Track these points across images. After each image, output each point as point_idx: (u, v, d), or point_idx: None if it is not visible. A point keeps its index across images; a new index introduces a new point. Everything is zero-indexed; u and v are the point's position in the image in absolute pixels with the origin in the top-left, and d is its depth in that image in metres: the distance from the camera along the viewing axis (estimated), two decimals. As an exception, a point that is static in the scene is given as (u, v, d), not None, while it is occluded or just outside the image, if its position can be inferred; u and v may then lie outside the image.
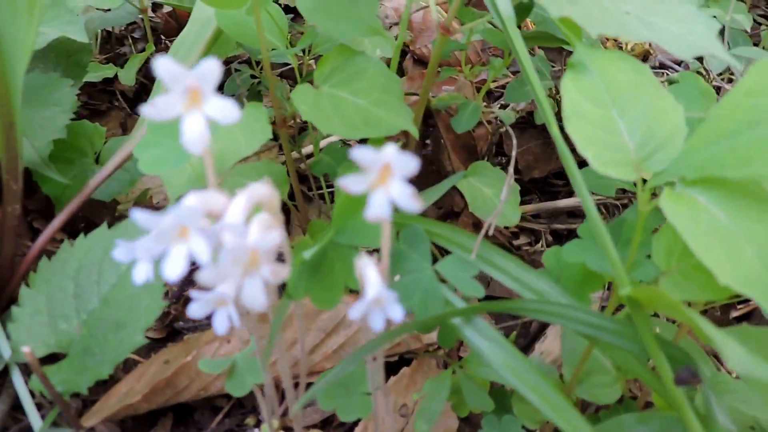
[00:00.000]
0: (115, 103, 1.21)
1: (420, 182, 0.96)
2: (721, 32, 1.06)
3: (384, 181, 0.42)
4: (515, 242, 1.00)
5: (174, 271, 0.42)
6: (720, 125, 0.50)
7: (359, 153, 0.39)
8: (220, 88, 1.16)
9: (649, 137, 0.54)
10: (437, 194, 0.82)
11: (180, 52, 0.88)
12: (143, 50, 1.19)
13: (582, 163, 0.54)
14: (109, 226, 0.83)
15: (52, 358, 0.69)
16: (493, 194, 0.83)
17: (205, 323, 0.92)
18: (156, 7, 1.25)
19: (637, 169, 0.54)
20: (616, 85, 0.55)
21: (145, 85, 1.16)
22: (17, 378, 0.72)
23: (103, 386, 0.80)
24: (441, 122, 0.93)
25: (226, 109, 0.44)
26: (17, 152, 0.71)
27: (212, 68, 0.42)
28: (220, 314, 0.49)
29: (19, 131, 0.70)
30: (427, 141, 0.98)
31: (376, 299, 0.47)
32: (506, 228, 0.97)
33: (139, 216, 0.40)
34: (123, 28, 1.27)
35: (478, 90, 0.98)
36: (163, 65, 0.41)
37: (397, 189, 0.41)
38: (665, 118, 0.54)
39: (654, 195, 0.54)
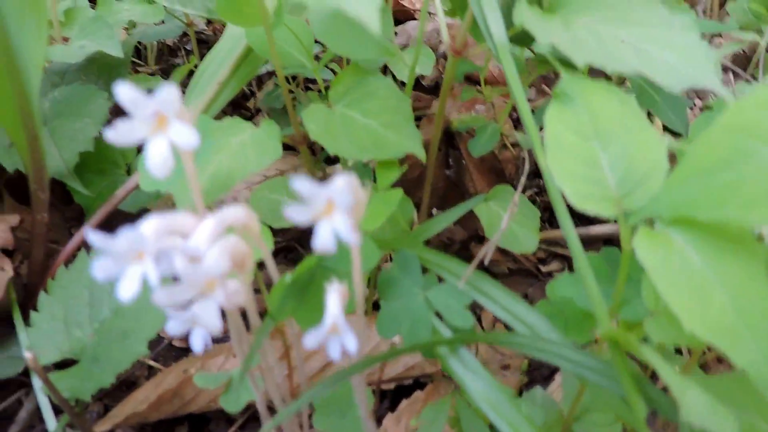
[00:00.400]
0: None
1: (442, 203, 0.99)
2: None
3: (329, 213, 0.46)
4: (544, 268, 1.00)
5: (127, 292, 0.47)
6: (697, 162, 0.51)
7: (300, 185, 0.44)
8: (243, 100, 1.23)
9: (630, 172, 0.55)
10: (454, 216, 0.84)
11: (211, 67, 0.95)
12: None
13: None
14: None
15: (66, 364, 0.77)
16: (513, 220, 0.85)
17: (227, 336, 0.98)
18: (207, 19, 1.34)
19: (618, 205, 0.55)
20: (600, 117, 0.57)
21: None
22: (36, 381, 0.80)
23: (126, 392, 0.89)
24: (462, 144, 0.96)
25: (186, 135, 0.48)
26: (43, 163, 0.81)
27: (173, 94, 0.48)
28: (195, 333, 0.54)
29: (42, 143, 0.79)
30: (450, 161, 1.01)
31: (332, 328, 0.51)
32: (534, 254, 0.98)
33: (93, 237, 0.45)
34: (177, 40, 1.38)
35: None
36: (123, 92, 0.46)
37: (339, 221, 0.45)
38: (647, 152, 0.55)
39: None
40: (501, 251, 0.95)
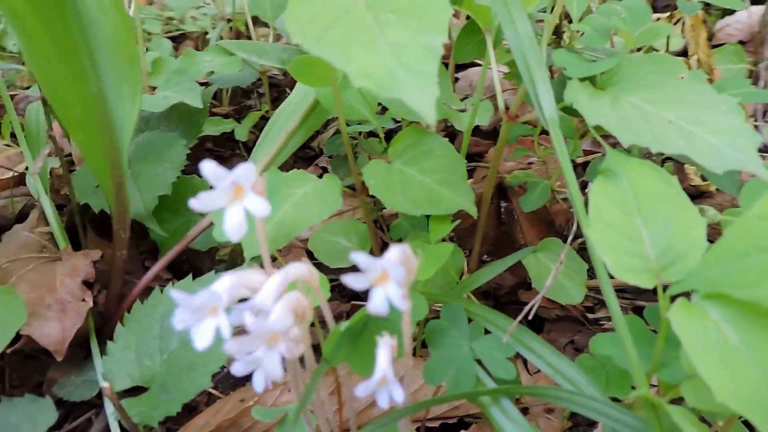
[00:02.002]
0: (236, 150, 1.39)
1: (493, 251, 1.03)
2: None
3: (383, 281, 0.51)
4: (591, 315, 1.03)
5: (203, 342, 0.53)
6: (734, 245, 0.54)
7: (358, 258, 0.49)
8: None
9: (670, 247, 0.58)
10: (503, 267, 0.88)
11: (281, 118, 1.03)
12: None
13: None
14: (208, 270, 0.97)
15: (136, 390, 0.84)
16: (561, 273, 0.88)
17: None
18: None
19: (657, 277, 0.58)
20: (643, 194, 0.60)
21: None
22: (108, 405, 0.87)
23: (187, 416, 0.95)
24: (515, 197, 0.99)
25: (259, 205, 0.54)
26: (126, 207, 0.89)
27: (250, 170, 0.54)
28: (258, 374, 0.60)
29: (127, 189, 0.87)
30: (503, 213, 1.05)
31: (382, 379, 0.56)
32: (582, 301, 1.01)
33: (175, 295, 0.52)
34: (251, 83, 1.46)
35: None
36: (207, 167, 0.52)
37: (392, 290, 0.50)
38: (687, 230, 0.58)
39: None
40: (548, 299, 0.98)
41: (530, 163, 1.14)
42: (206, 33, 1.57)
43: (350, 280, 0.51)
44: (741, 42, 1.37)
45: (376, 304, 0.51)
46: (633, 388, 0.77)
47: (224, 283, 0.55)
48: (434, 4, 0.58)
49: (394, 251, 0.52)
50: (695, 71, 0.68)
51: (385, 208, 1.06)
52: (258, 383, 0.60)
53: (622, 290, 1.07)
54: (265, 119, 1.30)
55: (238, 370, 0.59)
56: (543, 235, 0.96)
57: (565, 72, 0.69)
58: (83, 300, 0.95)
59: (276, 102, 1.40)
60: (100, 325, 0.99)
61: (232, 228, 0.55)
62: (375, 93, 0.55)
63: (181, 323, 0.54)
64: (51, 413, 0.84)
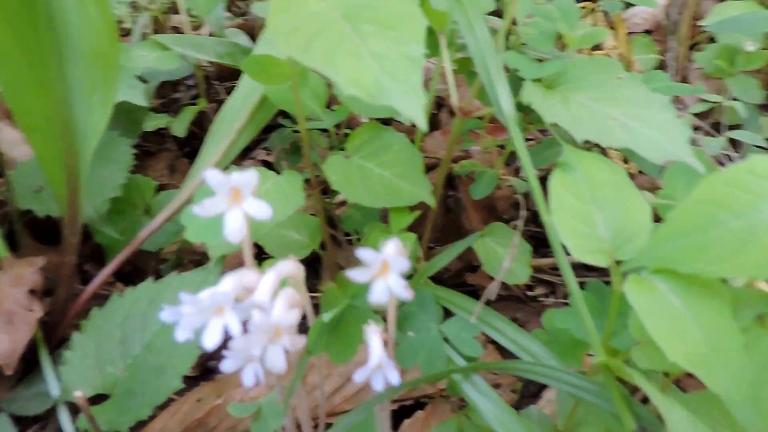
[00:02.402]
0: (166, 145, 1.40)
1: (440, 237, 1.12)
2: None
3: (384, 273, 0.58)
4: (531, 293, 1.14)
5: (211, 341, 0.58)
6: (676, 226, 0.64)
7: (363, 253, 0.56)
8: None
9: (621, 230, 0.69)
10: (455, 253, 0.97)
11: (229, 115, 1.06)
12: (195, 96, 1.38)
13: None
14: (155, 271, 1.00)
15: (97, 399, 0.86)
16: (507, 254, 0.98)
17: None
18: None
19: (610, 257, 0.68)
20: (595, 183, 0.70)
21: (195, 131, 1.35)
22: (64, 417, 0.89)
23: (140, 423, 0.98)
24: (462, 185, 1.09)
25: (261, 208, 0.60)
26: (78, 210, 0.91)
27: (251, 177, 0.59)
28: (248, 370, 0.65)
29: (81, 193, 0.89)
30: (450, 200, 1.14)
31: (378, 364, 0.63)
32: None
33: (183, 297, 0.57)
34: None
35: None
36: (212, 176, 0.57)
37: (394, 281, 0.57)
38: (635, 214, 0.69)
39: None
40: (491, 280, 1.08)
41: (466, 151, 1.23)
42: (120, 22, 1.56)
43: (355, 275, 0.57)
44: (647, 31, 1.52)
45: (377, 295, 0.58)
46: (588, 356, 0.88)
47: (229, 284, 0.61)
48: (410, 16, 0.65)
49: (392, 245, 0.59)
50: (631, 72, 0.79)
51: (335, 201, 1.12)
52: (248, 379, 0.65)
53: (555, 268, 1.18)
54: (201, 113, 1.33)
55: (228, 366, 0.64)
56: (487, 221, 1.06)
57: (519, 73, 0.78)
58: (31, 310, 0.95)
59: (210, 95, 1.42)
60: (45, 335, 0.99)
61: (233, 231, 0.61)
62: (366, 101, 0.61)
63: (187, 328, 0.58)
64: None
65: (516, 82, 0.79)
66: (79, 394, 0.74)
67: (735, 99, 1.20)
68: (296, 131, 1.20)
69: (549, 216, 0.69)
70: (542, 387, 1.00)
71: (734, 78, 1.23)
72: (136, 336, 0.87)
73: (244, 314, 0.60)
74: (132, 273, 1.16)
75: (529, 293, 1.16)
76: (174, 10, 1.56)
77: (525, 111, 0.89)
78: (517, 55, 0.80)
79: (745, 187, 0.62)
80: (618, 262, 0.68)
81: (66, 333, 1.01)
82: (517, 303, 1.15)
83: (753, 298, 0.66)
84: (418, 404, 1.01)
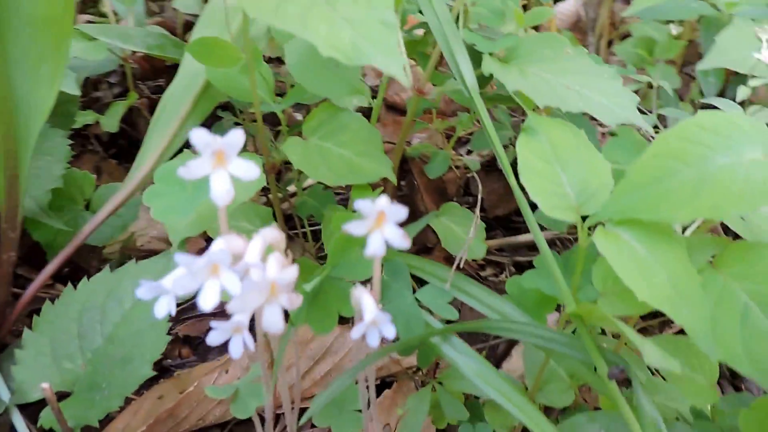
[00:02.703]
0: (88, 147, 1.38)
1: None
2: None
3: (379, 225, 0.62)
4: (482, 273, 1.21)
5: (209, 302, 0.59)
6: (635, 180, 0.72)
7: (360, 204, 0.59)
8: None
9: (584, 187, 0.76)
10: (413, 232, 1.02)
11: (170, 103, 1.07)
12: (119, 94, 1.37)
13: (535, 206, 0.75)
14: (97, 269, 0.99)
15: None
16: (462, 231, 1.04)
17: (193, 360, 1.09)
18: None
19: (577, 213, 0.75)
20: (558, 146, 0.78)
21: (120, 132, 1.33)
22: (18, 420, 0.87)
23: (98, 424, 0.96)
24: (415, 168, 1.14)
25: (249, 169, 0.62)
26: (18, 202, 0.89)
27: (238, 137, 0.61)
28: (235, 340, 0.67)
29: (22, 183, 0.88)
30: (403, 184, 1.19)
31: (373, 321, 0.66)
32: (474, 261, 1.19)
33: (179, 258, 0.58)
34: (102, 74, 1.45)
35: (449, 137, 1.21)
36: (197, 135, 0.59)
37: (390, 231, 0.61)
38: (596, 172, 0.76)
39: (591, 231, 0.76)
40: (446, 260, 1.14)
41: (408, 142, 1.29)
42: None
43: (352, 227, 0.61)
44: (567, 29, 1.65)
45: (374, 247, 0.62)
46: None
47: (223, 243, 0.63)
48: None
49: (384, 198, 0.62)
50: (576, 47, 0.87)
51: (286, 186, 1.14)
52: (235, 350, 0.67)
53: (500, 249, 1.26)
54: (129, 111, 1.33)
55: (214, 339, 0.66)
56: (439, 202, 1.12)
57: (476, 47, 0.84)
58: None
59: (138, 90, 1.42)
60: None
61: (220, 194, 0.62)
62: (344, 62, 0.65)
63: (181, 288, 0.60)
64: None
65: (473, 58, 0.85)
66: (45, 386, 0.73)
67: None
68: (237, 123, 1.22)
69: (521, 177, 0.76)
70: (506, 354, 1.06)
71: (655, 66, 1.36)
72: (95, 329, 0.86)
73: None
74: (71, 274, 1.14)
75: (482, 273, 1.22)
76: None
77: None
78: (469, 31, 0.86)
79: (696, 140, 0.70)
80: (583, 218, 0.75)
81: (8, 339, 0.98)
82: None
83: (704, 244, 0.75)
84: (385, 384, 1.05)
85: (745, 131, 0.70)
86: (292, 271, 0.64)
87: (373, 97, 1.02)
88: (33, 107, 0.83)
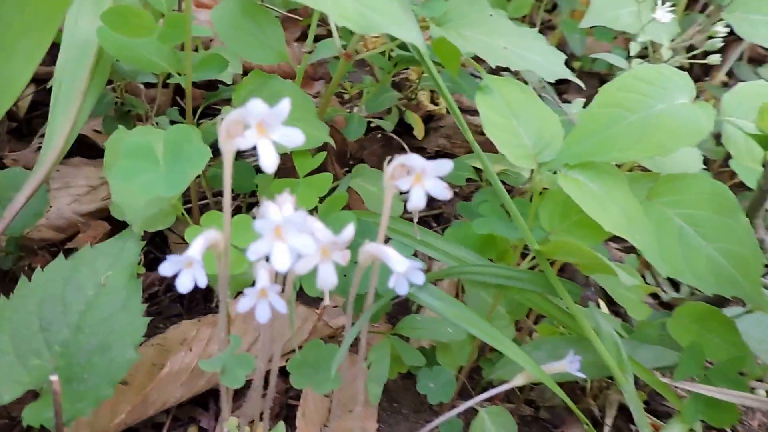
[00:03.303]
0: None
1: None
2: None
3: (419, 181, 0.66)
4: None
5: (284, 263, 0.60)
6: (585, 127, 0.84)
7: (410, 159, 0.63)
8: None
9: (540, 138, 0.86)
10: (344, 186, 1.05)
11: (66, 79, 0.98)
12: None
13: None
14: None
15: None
16: (377, 190, 1.09)
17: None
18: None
19: (534, 161, 0.84)
20: (512, 102, 0.87)
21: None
22: None
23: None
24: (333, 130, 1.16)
25: (295, 134, 0.63)
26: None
27: (285, 106, 0.62)
28: (261, 305, 0.67)
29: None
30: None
31: (404, 271, 0.70)
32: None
33: (258, 225, 0.59)
34: None
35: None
36: (255, 105, 0.60)
37: (432, 184, 0.65)
38: (548, 124, 0.86)
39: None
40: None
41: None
42: None
43: (401, 183, 0.64)
44: None
45: (415, 200, 0.66)
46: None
47: (277, 206, 0.62)
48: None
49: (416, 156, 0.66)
50: (496, 9, 0.96)
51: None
52: (262, 314, 0.68)
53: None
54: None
55: (244, 305, 0.67)
56: (348, 166, 1.15)
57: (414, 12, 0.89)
58: None
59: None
60: None
61: (269, 162, 0.62)
62: (357, 31, 0.68)
63: (255, 254, 0.59)
64: None
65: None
66: (54, 378, 0.66)
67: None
68: (117, 98, 1.14)
69: (486, 131, 0.83)
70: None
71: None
72: (59, 320, 0.79)
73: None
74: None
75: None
76: None
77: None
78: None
79: (635, 90, 0.84)
80: (540, 166, 0.85)
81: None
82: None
83: (640, 180, 0.89)
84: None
85: (673, 80, 0.84)
86: (350, 231, 0.65)
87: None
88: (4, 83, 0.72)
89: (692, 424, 0.91)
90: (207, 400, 1.01)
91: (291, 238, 0.61)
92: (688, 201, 0.87)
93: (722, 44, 1.11)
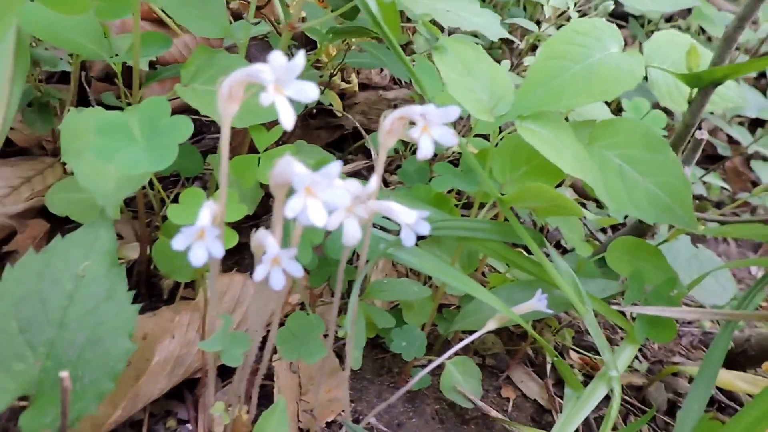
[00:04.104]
0: None
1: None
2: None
3: (426, 130, 0.67)
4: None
5: (320, 218, 0.59)
6: (535, 79, 0.89)
7: (429, 107, 0.64)
8: None
9: (493, 93, 0.90)
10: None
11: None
12: None
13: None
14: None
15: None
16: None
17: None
18: None
19: (492, 114, 0.88)
20: (465, 60, 0.90)
21: None
22: None
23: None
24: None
25: (310, 87, 0.62)
26: None
27: (301, 59, 0.60)
28: (276, 272, 0.66)
29: None
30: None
31: (412, 223, 0.71)
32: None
33: (297, 178, 0.58)
34: None
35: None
36: (277, 58, 0.59)
37: (440, 131, 0.67)
38: (499, 80, 0.91)
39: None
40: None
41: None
42: None
43: (413, 132, 0.66)
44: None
45: (424, 149, 0.67)
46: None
47: (302, 168, 0.61)
48: None
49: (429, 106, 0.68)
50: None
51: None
52: (277, 281, 0.66)
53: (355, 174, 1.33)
54: None
55: (260, 274, 0.65)
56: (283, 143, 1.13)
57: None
58: None
59: None
60: None
61: (288, 117, 0.61)
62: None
63: (292, 212, 0.58)
64: None
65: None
66: (65, 375, 0.60)
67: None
68: (40, 80, 1.05)
69: (448, 89, 0.86)
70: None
71: None
72: (39, 319, 0.73)
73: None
74: None
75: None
76: None
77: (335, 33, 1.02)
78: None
79: (575, 42, 0.90)
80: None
81: None
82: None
83: (581, 125, 0.95)
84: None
85: (605, 32, 0.92)
86: (374, 183, 0.65)
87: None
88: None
89: (640, 342, 1.00)
90: (180, 391, 0.96)
91: (324, 193, 0.60)
92: (623, 143, 0.95)
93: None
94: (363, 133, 1.25)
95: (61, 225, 1.05)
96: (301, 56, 0.61)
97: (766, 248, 1.54)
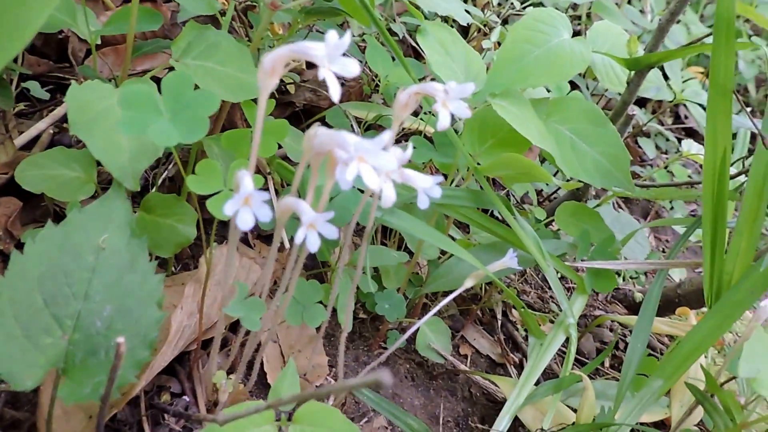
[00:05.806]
0: None
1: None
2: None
3: (444, 105, 0.70)
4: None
5: (374, 181, 0.61)
6: (504, 59, 0.94)
7: (428, 87, 0.67)
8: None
9: (469, 71, 0.94)
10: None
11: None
12: None
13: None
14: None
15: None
16: (291, 142, 1.08)
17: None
18: None
19: (468, 92, 0.93)
20: (444, 42, 0.93)
21: None
22: None
23: None
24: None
25: (350, 65, 0.63)
26: None
27: (347, 38, 0.62)
28: (312, 236, 0.67)
29: None
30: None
31: (429, 186, 0.74)
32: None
33: (353, 146, 0.60)
34: None
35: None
36: (332, 36, 0.60)
37: (456, 106, 0.71)
38: (473, 60, 0.95)
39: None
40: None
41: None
42: None
43: (435, 106, 0.69)
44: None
45: (443, 120, 0.71)
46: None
47: (353, 138, 0.62)
48: None
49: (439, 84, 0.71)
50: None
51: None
52: (313, 244, 0.67)
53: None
54: None
55: (299, 238, 0.66)
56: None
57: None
58: None
59: None
60: None
61: (337, 91, 0.62)
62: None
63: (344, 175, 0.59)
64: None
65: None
66: (121, 340, 0.58)
67: None
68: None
69: (429, 67, 0.89)
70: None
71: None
72: (64, 292, 0.68)
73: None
74: None
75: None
76: None
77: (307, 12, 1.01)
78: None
79: (536, 28, 0.96)
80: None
81: None
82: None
83: (536, 103, 1.02)
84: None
85: (558, 20, 0.98)
86: (410, 150, 0.68)
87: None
88: None
89: (588, 293, 1.09)
90: (170, 365, 0.93)
91: (373, 158, 0.62)
92: (572, 118, 1.02)
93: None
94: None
95: (33, 202, 0.98)
96: (347, 36, 0.62)
97: (653, 215, 1.71)
